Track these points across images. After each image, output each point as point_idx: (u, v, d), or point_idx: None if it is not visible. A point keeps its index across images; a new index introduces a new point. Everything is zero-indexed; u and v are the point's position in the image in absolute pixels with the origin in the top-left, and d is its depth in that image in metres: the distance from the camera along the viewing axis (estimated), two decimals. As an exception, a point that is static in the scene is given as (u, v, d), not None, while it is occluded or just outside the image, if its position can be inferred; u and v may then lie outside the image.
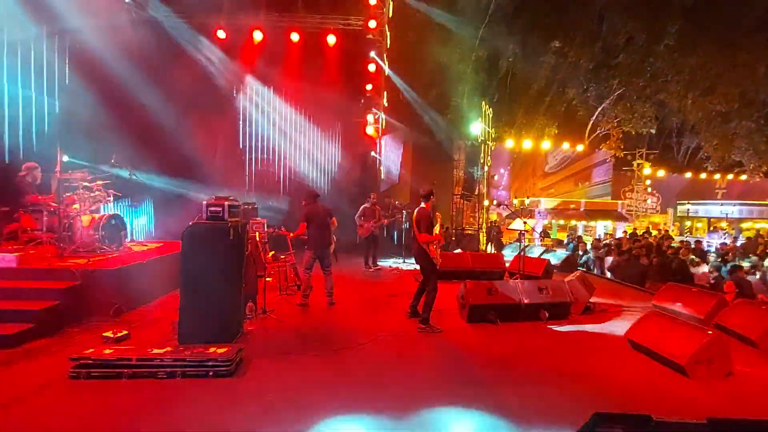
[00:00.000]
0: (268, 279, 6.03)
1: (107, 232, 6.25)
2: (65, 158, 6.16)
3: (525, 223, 7.70)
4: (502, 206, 16.27)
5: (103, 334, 4.48)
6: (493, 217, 16.94)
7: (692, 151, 23.67)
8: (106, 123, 7.90)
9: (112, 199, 6.71)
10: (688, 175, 22.81)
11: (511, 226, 11.93)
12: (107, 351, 3.84)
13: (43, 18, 7.15)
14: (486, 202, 15.38)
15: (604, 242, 12.58)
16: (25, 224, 5.94)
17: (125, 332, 4.57)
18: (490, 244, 14.55)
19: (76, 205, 6.17)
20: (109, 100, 8.09)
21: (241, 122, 11.86)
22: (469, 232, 15.18)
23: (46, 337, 4.46)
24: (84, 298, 5.05)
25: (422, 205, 5.42)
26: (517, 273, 7.66)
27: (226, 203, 4.46)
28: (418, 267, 5.62)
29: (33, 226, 5.93)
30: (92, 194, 6.35)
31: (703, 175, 22.51)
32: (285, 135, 12.04)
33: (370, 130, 11.60)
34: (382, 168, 12.40)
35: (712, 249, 13.29)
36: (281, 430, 2.99)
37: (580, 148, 19.67)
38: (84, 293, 5.05)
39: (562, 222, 18.87)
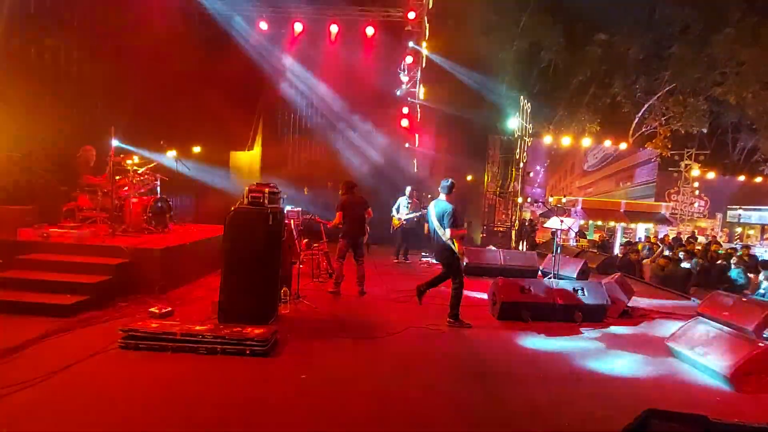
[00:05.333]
0: (301, 266, 6.19)
1: (154, 214, 6.60)
2: (117, 143, 6.53)
3: (562, 221, 7.48)
4: (537, 204, 15.85)
5: (150, 310, 4.77)
6: (527, 215, 16.54)
7: (748, 152, 22.08)
8: (156, 109, 8.27)
9: (159, 182, 7.06)
10: (742, 178, 21.31)
11: (546, 225, 11.61)
12: (153, 325, 4.09)
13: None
14: (520, 200, 15.03)
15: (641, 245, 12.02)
16: (82, 204, 6.37)
17: (169, 309, 4.83)
18: (521, 242, 14.24)
19: (127, 188, 6.55)
20: (158, 87, 8.46)
21: (280, 111, 12.12)
22: (501, 229, 14.92)
23: (98, 309, 4.79)
24: (133, 275, 5.37)
25: (442, 197, 5.10)
26: (550, 273, 7.49)
27: (266, 190, 4.60)
28: (440, 264, 5.33)
29: (88, 206, 6.35)
30: (142, 178, 6.71)
31: (759, 179, 20.98)
32: (322, 126, 12.22)
33: (405, 122, 11.57)
34: (415, 160, 12.37)
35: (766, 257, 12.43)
36: (314, 407, 3.09)
37: (623, 146, 18.79)
38: (133, 270, 5.38)
39: (599, 223, 18.17)
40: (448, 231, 4.88)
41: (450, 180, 5.15)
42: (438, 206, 5.03)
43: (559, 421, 3.14)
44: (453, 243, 4.92)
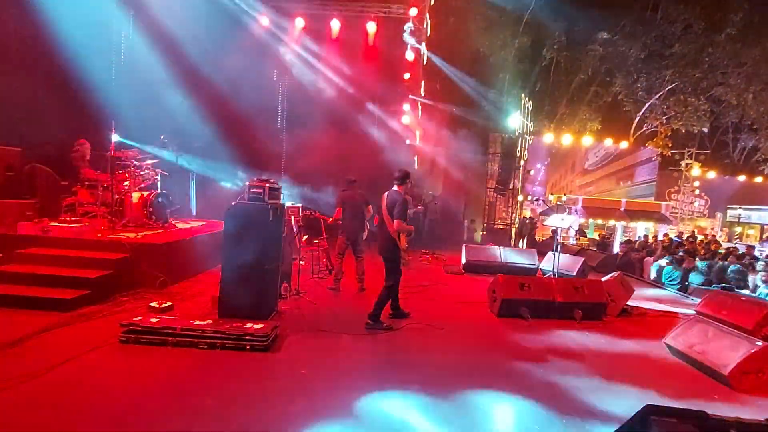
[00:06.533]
0: (301, 262, 6.19)
1: (154, 209, 6.60)
2: (117, 138, 6.51)
3: (562, 219, 7.48)
4: (537, 202, 15.86)
5: (150, 304, 4.77)
6: (527, 213, 16.55)
7: (748, 152, 22.08)
8: (157, 103, 8.24)
9: (159, 178, 7.05)
10: (742, 178, 21.32)
11: (546, 223, 11.61)
12: (154, 319, 4.09)
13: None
14: (520, 197, 15.03)
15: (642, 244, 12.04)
16: (82, 198, 6.36)
17: (169, 303, 4.84)
18: (522, 240, 14.26)
19: (127, 183, 6.54)
20: (159, 80, 8.43)
21: (280, 107, 12.11)
22: (501, 226, 14.93)
23: (98, 303, 4.79)
24: (133, 270, 5.38)
25: (394, 188, 4.84)
26: (550, 271, 7.51)
27: (266, 185, 4.60)
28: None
29: (89, 200, 6.35)
30: (142, 173, 6.70)
31: (759, 179, 20.99)
32: (323, 122, 12.19)
33: (406, 119, 11.55)
34: (416, 157, 12.36)
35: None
36: (313, 402, 3.10)
37: (624, 144, 18.78)
38: (133, 265, 5.38)
39: (599, 221, 18.19)
40: (395, 222, 4.61)
41: (403, 170, 4.92)
42: (389, 197, 4.79)
43: (558, 416, 3.15)
44: (398, 237, 4.68)
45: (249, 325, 4.05)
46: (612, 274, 6.43)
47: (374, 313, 4.73)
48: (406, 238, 4.73)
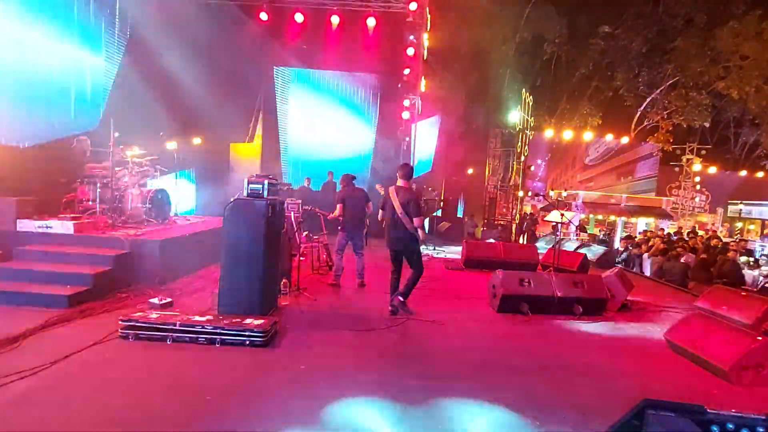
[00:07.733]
0: (301, 258, 6.19)
1: (154, 205, 6.59)
2: (116, 134, 6.49)
3: (562, 215, 7.48)
4: (537, 197, 15.83)
5: (149, 300, 4.77)
6: (527, 209, 16.54)
7: (749, 147, 22.02)
8: (155, 99, 8.21)
9: (159, 174, 7.04)
10: (743, 173, 21.27)
11: (546, 218, 11.60)
12: (153, 315, 4.09)
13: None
14: (521, 193, 15.01)
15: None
16: (81, 195, 6.34)
17: (169, 299, 4.84)
18: (522, 235, 14.26)
19: (127, 179, 6.53)
20: (158, 76, 8.40)
21: (280, 103, 12.07)
22: (502, 222, 14.92)
23: (98, 299, 4.78)
24: (132, 266, 5.37)
25: (400, 183, 4.89)
26: (550, 266, 7.50)
27: (265, 181, 4.59)
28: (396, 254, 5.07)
29: (88, 197, 6.33)
30: (141, 169, 6.69)
31: (760, 174, 20.94)
32: (322, 118, 12.16)
33: (405, 115, 11.50)
34: (416, 154, 12.32)
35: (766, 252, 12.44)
36: (312, 398, 3.11)
37: (625, 140, 18.72)
38: (132, 261, 5.38)
39: (600, 217, 18.18)
40: (416, 219, 4.75)
41: (408, 165, 5.04)
42: (402, 193, 4.83)
43: (557, 413, 3.15)
44: (417, 231, 4.82)
45: (248, 320, 4.05)
46: (612, 269, 6.43)
47: (405, 292, 4.94)
48: (422, 230, 4.91)
